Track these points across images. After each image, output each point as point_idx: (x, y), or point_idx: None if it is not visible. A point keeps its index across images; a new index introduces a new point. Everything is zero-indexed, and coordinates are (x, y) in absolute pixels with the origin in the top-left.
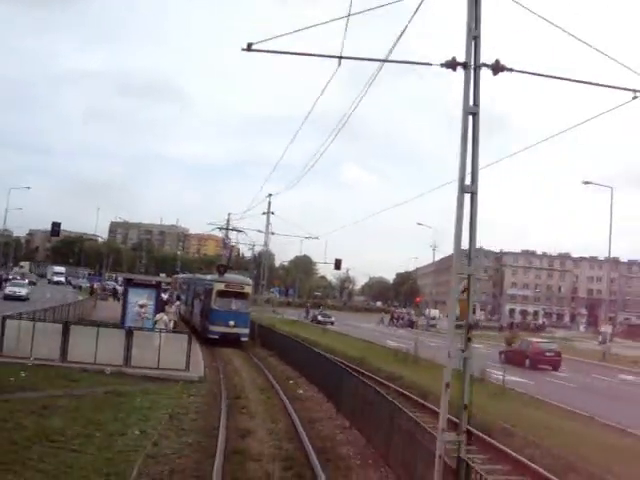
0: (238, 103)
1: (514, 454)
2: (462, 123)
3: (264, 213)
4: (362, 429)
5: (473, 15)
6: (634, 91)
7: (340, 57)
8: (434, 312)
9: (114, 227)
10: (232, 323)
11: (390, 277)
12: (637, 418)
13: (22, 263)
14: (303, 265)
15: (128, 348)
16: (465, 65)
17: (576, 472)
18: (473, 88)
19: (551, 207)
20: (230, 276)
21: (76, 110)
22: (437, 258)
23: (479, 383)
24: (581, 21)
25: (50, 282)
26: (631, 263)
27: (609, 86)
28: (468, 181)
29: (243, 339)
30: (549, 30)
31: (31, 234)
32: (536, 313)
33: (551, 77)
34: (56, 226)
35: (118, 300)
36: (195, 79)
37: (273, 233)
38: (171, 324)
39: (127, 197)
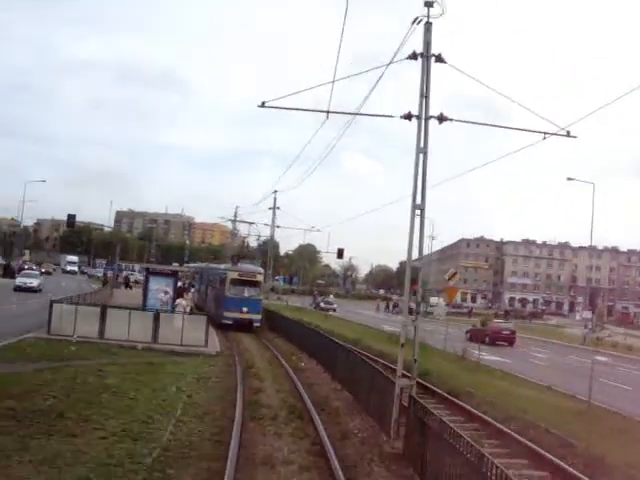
0: (242, 91)
1: (470, 409)
2: (415, 160)
3: (270, 208)
4: (351, 390)
5: (424, 81)
6: (544, 133)
7: (328, 112)
8: (435, 300)
9: (120, 216)
10: (245, 309)
11: (394, 265)
12: (594, 389)
13: (25, 251)
14: (307, 254)
15: (156, 328)
16: (418, 117)
17: (514, 421)
18: (424, 134)
19: (551, 199)
20: (243, 265)
21: (79, 99)
22: (435, 248)
23: (461, 360)
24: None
25: (64, 271)
26: (630, 253)
27: (524, 129)
28: (419, 200)
29: (256, 324)
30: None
31: (39, 224)
32: (535, 301)
33: (480, 124)
34: (71, 217)
35: (130, 288)
36: (199, 67)
37: (279, 226)
38: (188, 308)
39: (132, 186)
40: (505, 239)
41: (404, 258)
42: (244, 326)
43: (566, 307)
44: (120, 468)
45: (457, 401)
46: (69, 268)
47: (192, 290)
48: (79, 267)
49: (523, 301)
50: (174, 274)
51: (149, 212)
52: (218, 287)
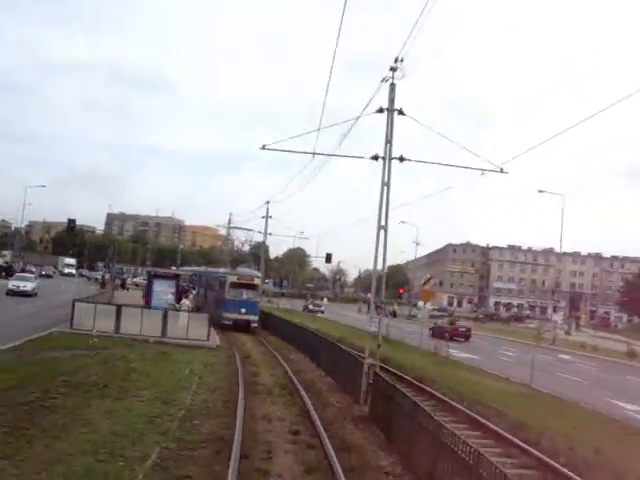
0: (233, 94)
1: (431, 391)
2: (380, 191)
3: (263, 217)
4: (332, 376)
5: (388, 129)
6: (482, 170)
7: (314, 153)
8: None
9: (110, 219)
10: (244, 311)
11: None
12: (542, 379)
13: (4, 252)
14: (297, 257)
15: (164, 324)
16: (383, 158)
17: (466, 400)
18: (387, 172)
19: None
20: (241, 270)
21: (68, 100)
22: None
23: (432, 356)
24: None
25: (61, 274)
26: (613, 259)
27: (466, 167)
28: (383, 222)
29: (253, 325)
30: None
31: (30, 226)
32: (520, 306)
33: (433, 163)
34: (72, 222)
35: (127, 290)
36: (189, 69)
37: (270, 234)
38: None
39: (121, 189)
40: (491, 245)
41: (392, 263)
42: (242, 326)
43: (550, 311)
44: (160, 419)
45: (421, 385)
46: (67, 270)
47: (193, 292)
48: (76, 269)
49: (508, 305)
50: (176, 277)
51: (140, 215)
52: (218, 290)
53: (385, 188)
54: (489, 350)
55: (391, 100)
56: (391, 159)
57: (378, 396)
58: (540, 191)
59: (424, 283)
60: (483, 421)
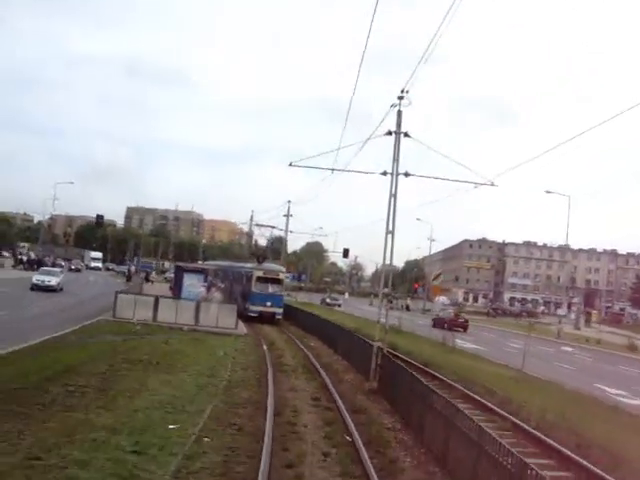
0: (251, 88)
1: (435, 373)
2: (388, 201)
3: (284, 215)
4: (348, 360)
5: (395, 149)
6: (475, 183)
7: (333, 169)
8: (442, 298)
9: (130, 212)
10: (269, 304)
11: (400, 264)
12: (538, 367)
13: (22, 244)
14: (314, 251)
15: (197, 314)
16: (391, 174)
17: (464, 381)
18: (395, 186)
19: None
20: (267, 265)
21: (87, 94)
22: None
23: (441, 346)
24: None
25: (88, 267)
26: (629, 255)
27: (462, 181)
28: (391, 227)
29: (278, 317)
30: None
31: (53, 219)
32: (535, 301)
33: (432, 177)
34: (100, 218)
35: (151, 283)
36: (207, 65)
37: (291, 232)
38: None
39: (140, 182)
40: (507, 241)
41: (409, 257)
42: (267, 318)
43: (565, 307)
44: (207, 388)
45: (426, 369)
46: (93, 264)
47: (221, 285)
48: (103, 262)
49: (523, 301)
50: (204, 271)
51: (159, 209)
52: (245, 283)
53: (392, 199)
54: (495, 342)
55: (398, 124)
56: (398, 175)
57: (385, 373)
58: (547, 192)
59: (434, 279)
60: (474, 396)
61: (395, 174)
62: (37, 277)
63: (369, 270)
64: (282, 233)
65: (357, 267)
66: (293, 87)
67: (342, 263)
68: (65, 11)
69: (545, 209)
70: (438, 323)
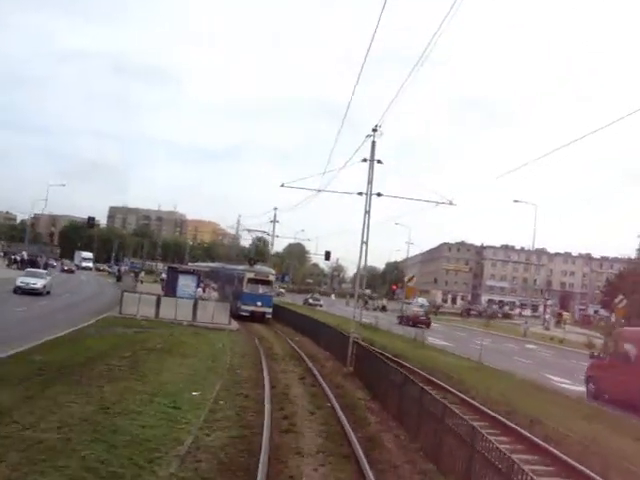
0: (236, 87)
1: (403, 362)
2: (363, 218)
3: (271, 221)
4: (329, 351)
5: (370, 173)
6: (436, 202)
7: (319, 190)
8: (421, 300)
9: (113, 212)
10: (259, 304)
11: (381, 266)
12: (499, 360)
13: (2, 242)
14: (296, 253)
15: (194, 311)
16: (366, 194)
17: (428, 369)
18: (369, 203)
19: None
20: (258, 267)
21: (71, 91)
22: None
23: (412, 342)
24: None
25: (78, 267)
26: (603, 259)
27: (425, 200)
28: (365, 239)
29: (267, 316)
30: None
31: (36, 218)
32: (512, 303)
33: (401, 197)
34: (91, 219)
35: (141, 282)
36: (192, 63)
37: (278, 236)
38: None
39: (123, 181)
40: (485, 244)
41: (390, 259)
42: (258, 317)
43: (541, 309)
44: (214, 369)
45: (396, 359)
46: (84, 264)
47: (213, 285)
48: (93, 262)
49: (500, 303)
50: (196, 272)
51: (142, 208)
52: (236, 284)
53: (367, 215)
54: (464, 339)
55: (372, 153)
56: (371, 195)
57: (359, 359)
58: (515, 201)
59: (408, 281)
60: (434, 380)
61: (369, 194)
62: (22, 279)
63: (350, 271)
64: (268, 237)
65: (338, 269)
66: (282, 87)
67: (324, 265)
68: (52, 6)
69: (520, 215)
70: (403, 320)
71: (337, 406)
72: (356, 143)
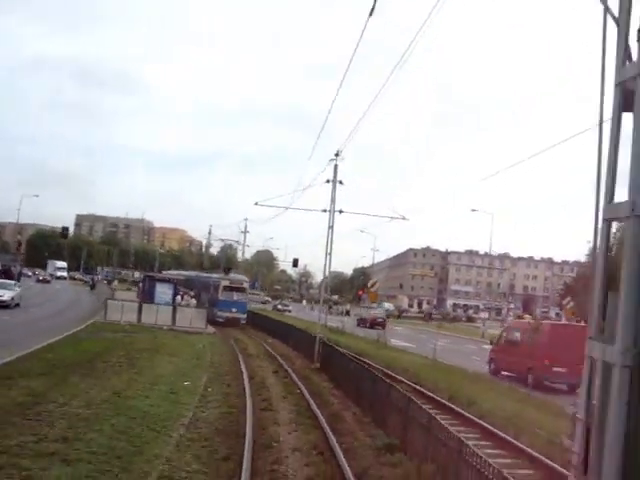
0: (203, 95)
1: (365, 360)
2: (327, 233)
3: (242, 232)
4: (298, 350)
5: (333, 192)
6: (390, 217)
7: (287, 207)
8: (387, 305)
9: (80, 220)
10: (234, 310)
11: (349, 272)
12: (455, 358)
13: None
14: (265, 259)
15: (174, 316)
16: (329, 211)
17: (387, 366)
18: (332, 219)
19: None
20: (232, 275)
21: (35, 99)
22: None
23: (375, 343)
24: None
25: (54, 277)
26: (564, 263)
27: (382, 216)
28: (329, 251)
29: (242, 322)
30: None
31: (2, 227)
32: (477, 307)
33: (361, 214)
34: (65, 230)
35: (114, 290)
36: (159, 71)
37: (248, 246)
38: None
39: (90, 189)
40: (450, 249)
41: (357, 265)
42: (233, 323)
43: (504, 313)
44: (199, 365)
45: (359, 357)
46: (59, 274)
47: (191, 293)
48: (67, 272)
49: (465, 307)
50: (172, 281)
51: (110, 216)
52: (212, 292)
53: (330, 230)
54: (424, 340)
55: (335, 175)
56: (334, 212)
57: (324, 356)
58: (473, 210)
59: (371, 286)
60: (391, 373)
61: (332, 212)
62: None
63: (318, 277)
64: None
65: (306, 275)
66: (250, 94)
67: (292, 271)
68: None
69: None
70: (361, 322)
71: (306, 392)
72: (330, 151)
